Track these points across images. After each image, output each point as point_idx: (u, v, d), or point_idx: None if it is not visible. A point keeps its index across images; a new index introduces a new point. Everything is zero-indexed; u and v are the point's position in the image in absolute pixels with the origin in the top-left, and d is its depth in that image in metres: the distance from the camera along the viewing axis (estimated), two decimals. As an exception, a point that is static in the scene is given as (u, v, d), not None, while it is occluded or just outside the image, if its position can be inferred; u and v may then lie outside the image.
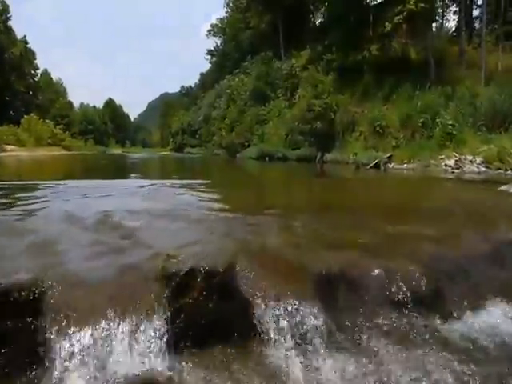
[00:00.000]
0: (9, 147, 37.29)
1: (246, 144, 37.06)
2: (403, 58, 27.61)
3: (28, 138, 44.50)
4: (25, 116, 50.56)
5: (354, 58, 31.66)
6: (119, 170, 22.58)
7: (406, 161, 17.51)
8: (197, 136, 65.60)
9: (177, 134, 76.75)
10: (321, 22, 48.62)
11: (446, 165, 15.54)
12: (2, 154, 34.56)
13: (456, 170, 14.77)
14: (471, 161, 15.17)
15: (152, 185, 9.04)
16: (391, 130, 20.58)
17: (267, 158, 29.89)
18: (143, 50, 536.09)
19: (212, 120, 54.00)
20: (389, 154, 18.17)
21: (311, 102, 25.89)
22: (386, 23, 24.38)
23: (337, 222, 5.03)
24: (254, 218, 5.00)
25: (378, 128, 20.98)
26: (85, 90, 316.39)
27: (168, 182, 10.12)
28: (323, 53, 34.05)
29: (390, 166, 17.66)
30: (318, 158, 25.03)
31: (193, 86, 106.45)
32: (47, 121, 52.39)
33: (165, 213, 5.29)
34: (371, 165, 17.74)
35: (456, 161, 15.33)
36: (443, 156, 16.19)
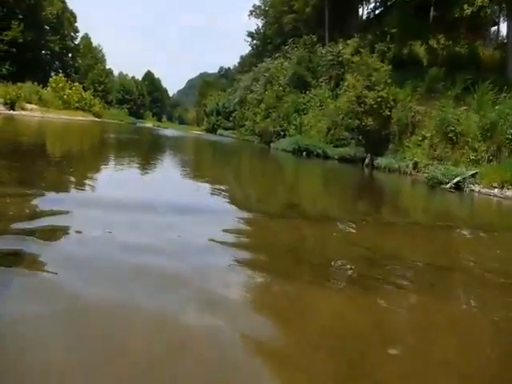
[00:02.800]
0: (29, 106, 32.67)
1: (282, 133, 32.00)
2: (474, 54, 22.01)
3: (54, 99, 39.48)
4: (53, 76, 46.33)
5: (412, 49, 26.17)
6: (126, 150, 17.97)
7: (496, 184, 12.32)
8: (231, 119, 60.68)
9: (211, 114, 71.88)
10: (372, 7, 42.60)
11: None
12: (18, 112, 30.33)
13: None
14: None
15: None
16: (468, 138, 15.30)
17: (304, 153, 24.89)
18: (188, 27, 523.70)
19: (247, 104, 48.80)
20: (473, 172, 12.98)
21: (363, 94, 20.67)
22: (465, 6, 18.76)
23: None
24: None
25: (450, 134, 15.70)
26: (125, 61, 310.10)
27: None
28: (375, 42, 28.51)
29: (476, 188, 12.51)
30: (366, 161, 19.97)
31: (232, 67, 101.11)
32: (76, 84, 47.58)
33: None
34: (450, 184, 12.56)
35: None
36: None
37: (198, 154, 23.01)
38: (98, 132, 29.50)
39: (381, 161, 18.72)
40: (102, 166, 10.76)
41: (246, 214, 6.32)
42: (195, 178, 10.72)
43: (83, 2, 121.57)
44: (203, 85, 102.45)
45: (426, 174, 14.04)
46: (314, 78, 34.27)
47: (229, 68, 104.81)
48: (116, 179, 8.38)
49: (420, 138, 18.00)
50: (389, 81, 20.47)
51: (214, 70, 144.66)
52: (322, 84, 32.63)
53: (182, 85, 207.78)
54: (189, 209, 6.09)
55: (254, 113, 42.15)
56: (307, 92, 32.69)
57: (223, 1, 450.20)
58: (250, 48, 74.75)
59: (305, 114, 30.80)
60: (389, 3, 37.03)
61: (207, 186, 9.00)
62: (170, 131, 55.01)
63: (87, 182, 7.63)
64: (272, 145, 31.82)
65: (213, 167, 15.67)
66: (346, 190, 12.37)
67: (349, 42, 33.55)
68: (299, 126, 30.09)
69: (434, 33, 24.60)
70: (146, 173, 10.54)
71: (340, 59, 31.23)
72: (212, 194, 8.11)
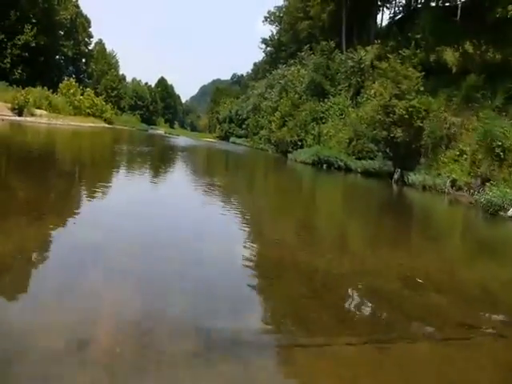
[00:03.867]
0: (38, 112, 31.19)
1: (299, 143, 30.10)
2: (508, 61, 19.97)
3: (64, 104, 37.97)
4: (64, 80, 44.91)
5: (441, 55, 24.20)
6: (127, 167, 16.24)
7: None
8: (243, 126, 58.98)
9: (224, 122, 70.36)
10: (393, 13, 40.66)
11: None
12: (24, 118, 28.84)
13: None
14: None
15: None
16: (519, 154, 13.34)
17: (324, 166, 23.02)
18: (202, 33, 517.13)
19: (261, 111, 47.00)
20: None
21: (391, 103, 18.78)
22: (510, 6, 16.77)
23: None
24: None
25: (497, 150, 13.73)
26: (139, 67, 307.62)
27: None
28: (398, 48, 26.53)
29: (539, 216, 10.52)
30: (395, 176, 18.04)
31: (245, 74, 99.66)
32: (88, 89, 46.35)
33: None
34: None
35: None
36: None
37: (213, 174, 18.11)
38: (105, 142, 27.44)
39: (413, 177, 16.75)
40: (89, 209, 6.98)
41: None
42: (209, 222, 7.36)
43: (97, 7, 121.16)
44: (216, 91, 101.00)
45: (480, 198, 12.00)
46: (333, 86, 32.41)
47: (242, 75, 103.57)
48: (100, 243, 5.11)
49: (457, 153, 16.07)
50: (421, 89, 18.53)
51: (226, 76, 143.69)
52: (341, 92, 30.79)
53: (194, 91, 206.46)
54: (204, 309, 3.66)
55: (268, 121, 40.36)
56: (325, 100, 30.84)
57: (238, 7, 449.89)
58: (263, 55, 73.26)
59: (323, 123, 28.93)
60: (412, 8, 35.18)
61: (226, 238, 6.48)
62: (182, 139, 52.97)
63: (52, 249, 4.73)
64: (289, 156, 29.82)
65: (231, 193, 11.88)
66: (395, 227, 9.36)
67: (368, 48, 31.75)
68: (317, 135, 28.23)
69: (468, 38, 22.63)
70: (147, 217, 6.88)
71: (361, 66, 29.39)
72: (231, 256, 5.53)
